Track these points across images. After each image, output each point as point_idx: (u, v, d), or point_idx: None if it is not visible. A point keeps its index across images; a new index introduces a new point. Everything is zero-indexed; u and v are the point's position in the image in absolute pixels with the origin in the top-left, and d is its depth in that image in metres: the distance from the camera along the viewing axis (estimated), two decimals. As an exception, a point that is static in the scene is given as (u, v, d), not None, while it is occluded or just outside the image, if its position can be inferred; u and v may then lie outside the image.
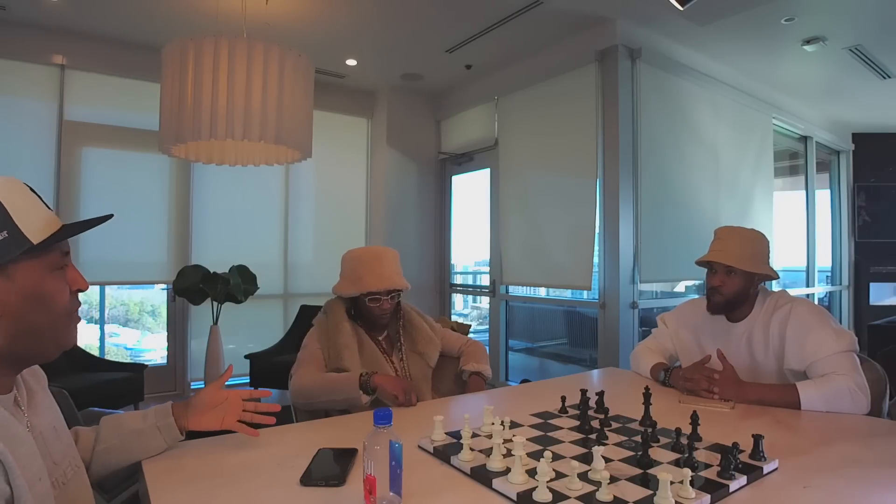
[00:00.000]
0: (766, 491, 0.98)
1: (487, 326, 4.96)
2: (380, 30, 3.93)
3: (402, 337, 1.88)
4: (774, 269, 1.68)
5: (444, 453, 1.12)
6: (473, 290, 5.62)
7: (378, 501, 0.87)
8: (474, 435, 1.20)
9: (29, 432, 0.79)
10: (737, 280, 1.65)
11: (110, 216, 0.86)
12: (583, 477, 0.97)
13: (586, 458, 1.05)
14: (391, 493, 0.88)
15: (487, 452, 1.08)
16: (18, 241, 0.75)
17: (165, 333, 4.55)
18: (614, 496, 0.91)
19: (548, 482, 0.92)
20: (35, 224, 0.78)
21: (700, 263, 1.75)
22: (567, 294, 4.38)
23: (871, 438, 1.30)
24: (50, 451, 0.84)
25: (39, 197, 0.82)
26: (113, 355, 4.50)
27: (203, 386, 4.08)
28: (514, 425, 1.28)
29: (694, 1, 2.52)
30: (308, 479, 1.02)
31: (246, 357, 4.27)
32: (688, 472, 0.91)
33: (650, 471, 1.01)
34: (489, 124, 4.75)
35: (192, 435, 1.18)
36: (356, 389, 1.54)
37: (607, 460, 1.05)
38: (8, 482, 0.69)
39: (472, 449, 1.10)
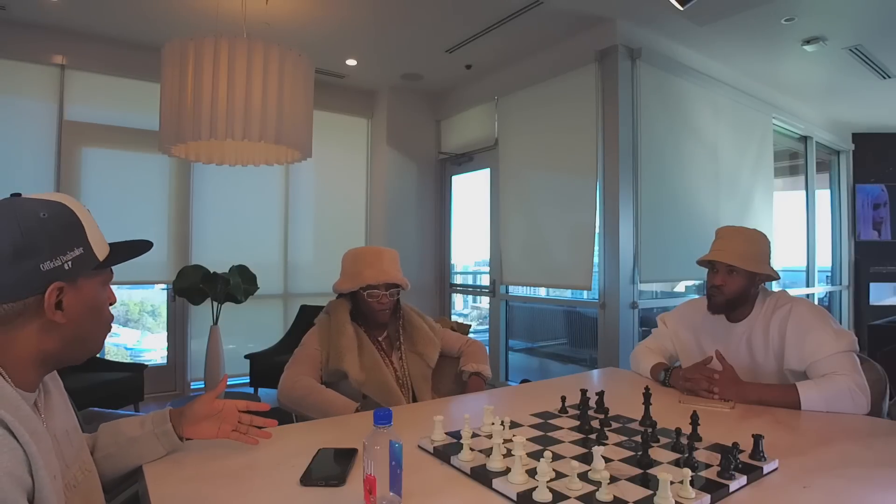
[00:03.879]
0: (766, 491, 0.98)
1: (487, 326, 4.95)
2: (380, 30, 3.93)
3: (402, 337, 1.88)
4: (775, 269, 1.69)
5: (444, 453, 1.12)
6: (473, 290, 5.62)
7: (378, 501, 0.87)
8: (474, 435, 1.20)
9: (44, 431, 0.81)
10: (738, 280, 1.65)
11: (150, 246, 0.94)
12: (583, 477, 0.97)
13: (586, 458, 1.05)
14: (391, 493, 0.88)
15: (487, 452, 1.08)
16: (91, 258, 0.84)
17: (165, 333, 4.55)
18: (614, 496, 0.91)
19: (548, 482, 0.92)
20: (97, 241, 0.86)
21: (701, 263, 1.75)
22: (567, 294, 4.38)
23: (871, 438, 1.30)
24: (63, 454, 0.85)
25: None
26: (113, 355, 4.50)
27: (203, 385, 4.11)
28: (514, 425, 1.28)
29: (694, 1, 2.52)
30: (308, 479, 1.02)
31: (246, 357, 4.27)
32: (688, 472, 0.91)
33: (650, 471, 1.01)
34: (489, 124, 4.75)
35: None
36: None
37: (607, 460, 1.05)
38: (30, 473, 0.71)
39: (472, 449, 1.10)
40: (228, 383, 4.28)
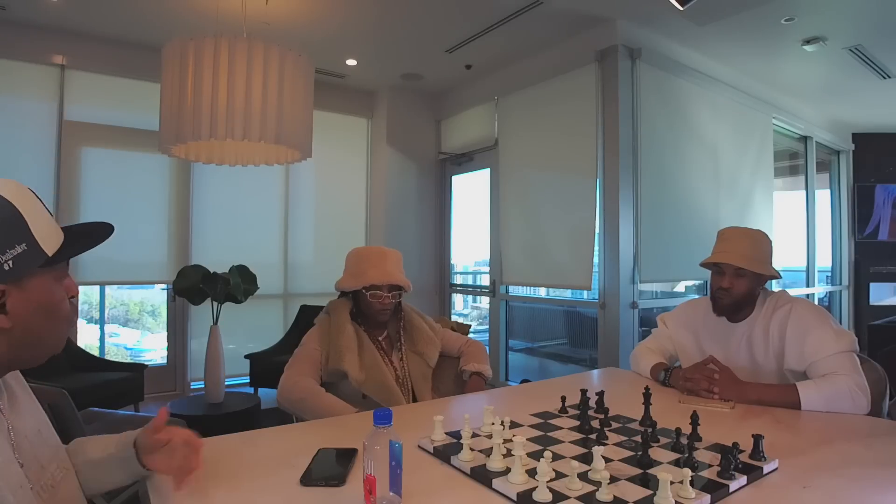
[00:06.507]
0: (766, 491, 0.98)
1: (487, 326, 4.95)
2: (380, 30, 3.93)
3: (402, 337, 1.89)
4: (776, 268, 1.69)
5: (444, 453, 1.12)
6: (473, 290, 5.62)
7: (378, 501, 0.87)
8: (474, 435, 1.20)
9: (4, 439, 0.77)
10: (746, 281, 1.65)
11: (111, 230, 0.85)
12: (583, 477, 0.97)
13: (586, 458, 1.05)
14: (391, 493, 0.88)
15: (487, 452, 1.07)
16: (36, 254, 0.75)
17: (165, 333, 4.55)
18: (614, 496, 0.91)
19: (548, 482, 0.92)
20: (46, 234, 0.77)
21: (707, 265, 1.74)
22: (567, 294, 4.38)
23: (871, 438, 1.30)
24: (36, 455, 0.83)
25: (41, 201, 0.81)
26: (113, 355, 4.50)
27: (203, 385, 4.10)
28: (514, 425, 1.28)
29: (694, 1, 2.52)
30: (308, 479, 1.02)
31: (246, 357, 4.27)
32: (688, 472, 0.91)
33: (650, 471, 1.01)
34: (489, 124, 4.75)
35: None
36: None
37: (607, 460, 1.05)
38: None
39: (472, 449, 1.10)
40: (228, 383, 4.30)
